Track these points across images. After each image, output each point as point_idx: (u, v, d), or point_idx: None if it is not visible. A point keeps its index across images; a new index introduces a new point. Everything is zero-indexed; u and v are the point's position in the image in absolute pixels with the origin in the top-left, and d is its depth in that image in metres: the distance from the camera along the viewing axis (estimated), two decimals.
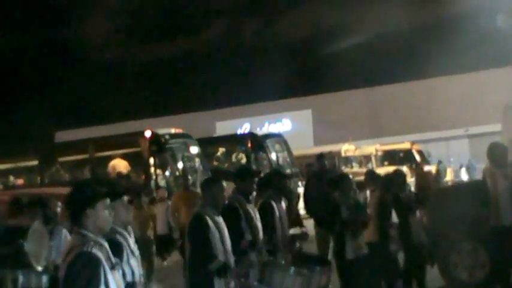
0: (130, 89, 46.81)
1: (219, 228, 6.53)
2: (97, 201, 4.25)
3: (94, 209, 4.22)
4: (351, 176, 9.75)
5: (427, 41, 40.87)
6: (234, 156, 23.35)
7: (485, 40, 33.53)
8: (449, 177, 32.07)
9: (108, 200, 4.32)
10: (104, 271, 4.10)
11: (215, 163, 23.02)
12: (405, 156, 32.25)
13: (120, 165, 19.25)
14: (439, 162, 32.17)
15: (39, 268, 7.02)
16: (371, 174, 10.55)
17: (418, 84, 40.98)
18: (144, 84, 47.76)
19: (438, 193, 11.70)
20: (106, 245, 4.27)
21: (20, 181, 22.10)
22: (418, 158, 32.00)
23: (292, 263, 7.53)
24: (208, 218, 6.48)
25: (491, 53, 34.93)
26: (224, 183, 6.94)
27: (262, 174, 9.74)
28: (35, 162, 21.65)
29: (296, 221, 9.82)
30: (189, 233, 6.79)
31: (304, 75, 43.79)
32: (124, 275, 5.05)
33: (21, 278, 7.37)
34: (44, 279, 7.18)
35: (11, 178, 22.11)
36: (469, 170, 32.76)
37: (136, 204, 9.98)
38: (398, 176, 10.03)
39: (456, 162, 35.33)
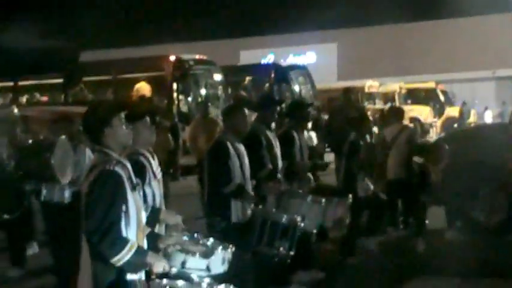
0: (156, 13, 46.45)
1: (240, 155, 6.55)
2: (112, 118, 4.22)
3: (111, 126, 4.20)
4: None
5: None
6: (265, 87, 23.28)
7: None
8: (472, 119, 31.89)
9: (123, 114, 4.29)
10: (125, 190, 4.12)
11: (242, 92, 23.01)
12: (429, 96, 32.03)
13: (144, 88, 19.31)
14: (463, 103, 31.96)
15: (64, 182, 7.17)
16: (394, 110, 10.45)
17: (445, 23, 40.33)
18: (171, 9, 47.34)
19: (459, 134, 11.65)
20: (128, 165, 4.28)
21: (44, 98, 22.32)
22: (442, 98, 31.77)
23: (310, 193, 7.62)
24: (229, 145, 6.49)
25: None
26: (247, 111, 6.97)
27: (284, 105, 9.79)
28: (59, 80, 21.79)
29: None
30: (208, 158, 6.86)
31: (331, 8, 43.16)
32: (145, 196, 5.16)
33: (44, 191, 7.55)
34: (67, 193, 7.35)
35: (36, 95, 22.32)
36: (501, 114, 32.44)
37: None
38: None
39: (481, 104, 35.04)
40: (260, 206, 6.73)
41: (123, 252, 4.02)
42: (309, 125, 9.68)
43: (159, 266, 4.16)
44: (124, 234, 4.10)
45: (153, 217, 4.99)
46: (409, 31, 41.48)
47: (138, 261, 4.10)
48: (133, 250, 4.05)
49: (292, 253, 6.47)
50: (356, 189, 8.67)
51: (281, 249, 6.38)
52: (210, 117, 13.72)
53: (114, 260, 4.02)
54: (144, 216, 4.42)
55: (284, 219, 6.45)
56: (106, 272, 4.11)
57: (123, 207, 4.10)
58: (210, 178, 6.67)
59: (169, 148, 12.34)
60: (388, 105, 25.89)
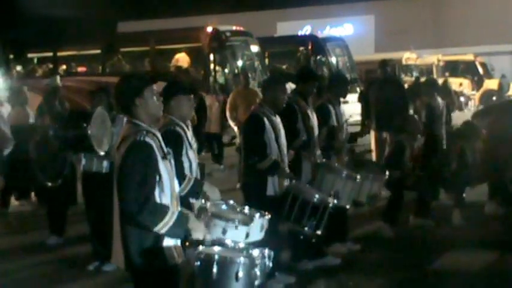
0: None
1: (275, 127, 6.54)
2: (144, 89, 4.22)
3: (142, 97, 4.20)
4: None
5: None
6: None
7: None
8: (511, 92, 31.48)
9: (154, 86, 4.29)
10: (156, 159, 4.13)
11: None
12: (467, 68, 31.65)
13: (183, 59, 19.40)
14: (502, 76, 31.48)
15: (101, 153, 7.24)
16: (431, 82, 10.37)
17: None
18: None
19: (502, 106, 11.53)
20: (158, 134, 4.28)
21: (82, 69, 22.51)
22: (480, 70, 31.38)
23: (347, 167, 7.58)
24: (265, 118, 6.48)
25: None
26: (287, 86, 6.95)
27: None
28: (97, 51, 21.94)
29: None
30: (243, 132, 6.87)
31: None
32: (183, 166, 5.19)
33: (83, 161, 7.64)
34: (105, 163, 7.42)
35: (74, 65, 22.51)
36: None
37: None
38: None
39: None
40: (294, 181, 6.69)
41: (166, 219, 4.03)
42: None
43: (199, 232, 4.15)
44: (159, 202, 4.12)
45: (196, 189, 5.04)
46: (448, 2, 40.80)
47: (180, 227, 4.10)
48: (174, 216, 4.07)
49: (318, 233, 6.42)
50: (402, 163, 8.68)
51: (306, 228, 6.36)
52: (250, 88, 13.74)
53: (157, 228, 4.03)
54: (176, 184, 4.43)
55: (315, 199, 6.39)
56: (141, 240, 4.13)
57: (156, 177, 4.11)
58: (246, 151, 6.70)
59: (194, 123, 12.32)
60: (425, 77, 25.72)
